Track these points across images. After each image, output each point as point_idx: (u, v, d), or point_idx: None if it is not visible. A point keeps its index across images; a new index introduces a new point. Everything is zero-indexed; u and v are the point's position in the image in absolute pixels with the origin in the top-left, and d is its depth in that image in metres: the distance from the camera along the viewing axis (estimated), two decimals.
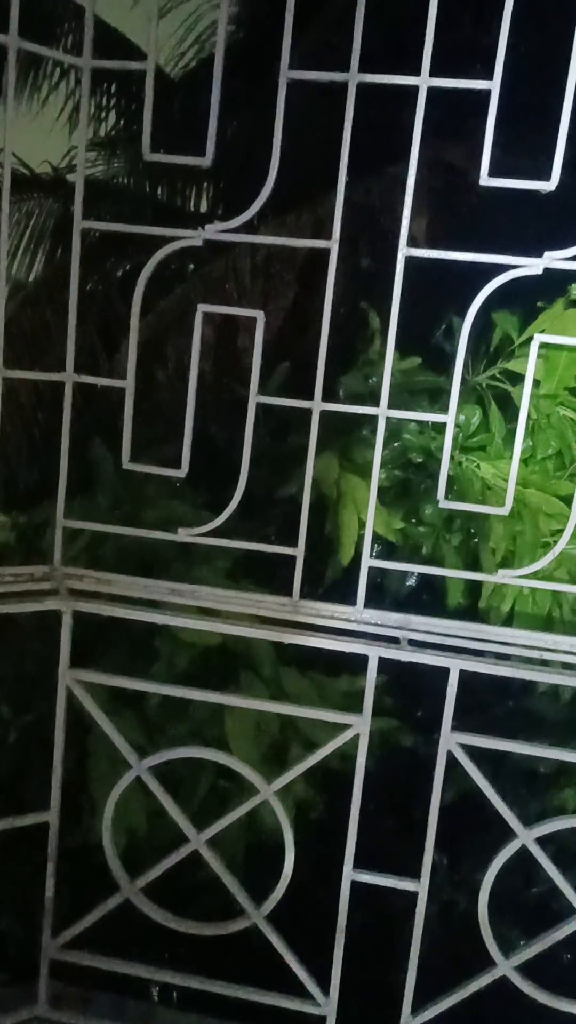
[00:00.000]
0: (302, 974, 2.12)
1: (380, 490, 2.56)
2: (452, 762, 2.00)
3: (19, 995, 2.26)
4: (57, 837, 2.20)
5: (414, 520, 3.22)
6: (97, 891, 2.18)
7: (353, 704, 2.17)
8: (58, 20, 4.99)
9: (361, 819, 2.04)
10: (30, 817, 2.19)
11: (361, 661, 2.02)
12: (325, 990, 2.12)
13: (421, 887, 2.03)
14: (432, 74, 1.77)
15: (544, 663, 1.99)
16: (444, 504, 2.07)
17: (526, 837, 2.00)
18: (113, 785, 2.13)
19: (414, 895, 2.04)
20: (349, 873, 2.06)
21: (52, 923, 2.21)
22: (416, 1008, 2.09)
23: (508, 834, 2.01)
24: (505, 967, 2.03)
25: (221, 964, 2.20)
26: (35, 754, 2.59)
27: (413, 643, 2.01)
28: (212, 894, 2.16)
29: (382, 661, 1.99)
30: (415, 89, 1.78)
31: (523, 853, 2.00)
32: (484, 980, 2.05)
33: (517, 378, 3.27)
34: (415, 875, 2.04)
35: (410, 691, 2.55)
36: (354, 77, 1.79)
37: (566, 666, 1.99)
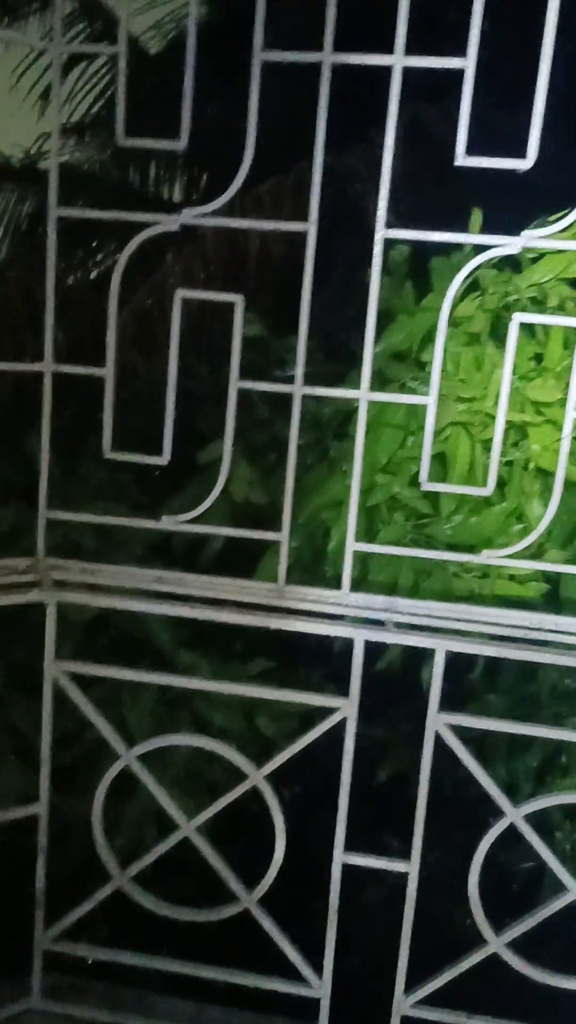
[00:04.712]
0: (295, 957, 2.13)
1: None
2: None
3: (12, 988, 2.26)
4: (47, 830, 2.20)
5: None
6: (88, 882, 2.18)
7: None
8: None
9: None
10: (20, 810, 2.19)
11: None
12: (319, 972, 2.13)
13: (412, 867, 2.05)
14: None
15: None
16: (427, 486, 2.07)
17: (514, 815, 2.02)
18: (102, 775, 2.13)
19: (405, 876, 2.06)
20: (340, 856, 2.07)
21: (44, 915, 2.22)
22: (409, 988, 2.11)
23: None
24: (496, 944, 2.05)
25: (215, 950, 2.21)
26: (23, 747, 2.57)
27: (399, 626, 2.02)
28: (202, 880, 2.16)
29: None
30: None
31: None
32: (476, 958, 2.07)
33: None
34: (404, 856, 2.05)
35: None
36: (328, 57, 1.78)
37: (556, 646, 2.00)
